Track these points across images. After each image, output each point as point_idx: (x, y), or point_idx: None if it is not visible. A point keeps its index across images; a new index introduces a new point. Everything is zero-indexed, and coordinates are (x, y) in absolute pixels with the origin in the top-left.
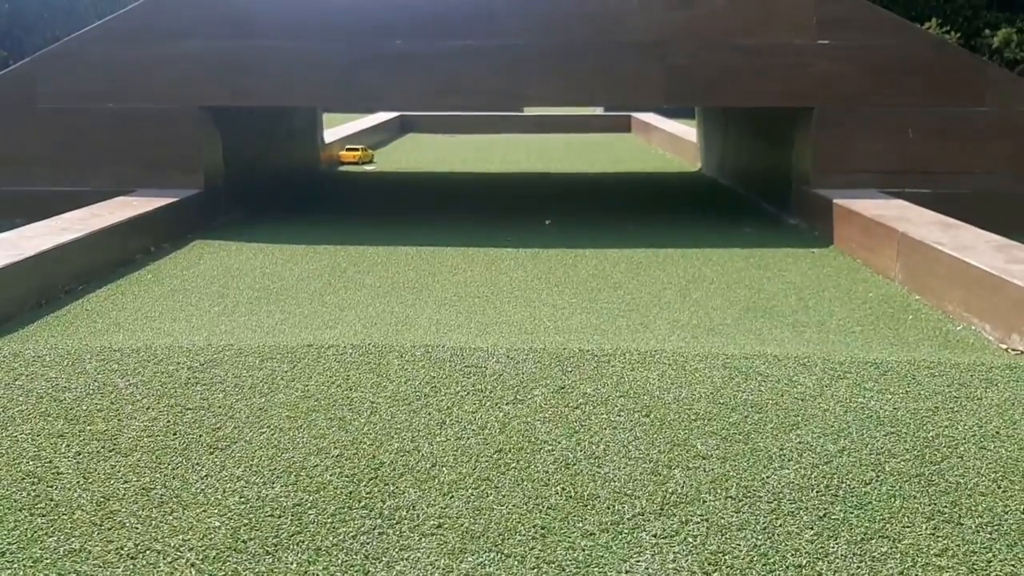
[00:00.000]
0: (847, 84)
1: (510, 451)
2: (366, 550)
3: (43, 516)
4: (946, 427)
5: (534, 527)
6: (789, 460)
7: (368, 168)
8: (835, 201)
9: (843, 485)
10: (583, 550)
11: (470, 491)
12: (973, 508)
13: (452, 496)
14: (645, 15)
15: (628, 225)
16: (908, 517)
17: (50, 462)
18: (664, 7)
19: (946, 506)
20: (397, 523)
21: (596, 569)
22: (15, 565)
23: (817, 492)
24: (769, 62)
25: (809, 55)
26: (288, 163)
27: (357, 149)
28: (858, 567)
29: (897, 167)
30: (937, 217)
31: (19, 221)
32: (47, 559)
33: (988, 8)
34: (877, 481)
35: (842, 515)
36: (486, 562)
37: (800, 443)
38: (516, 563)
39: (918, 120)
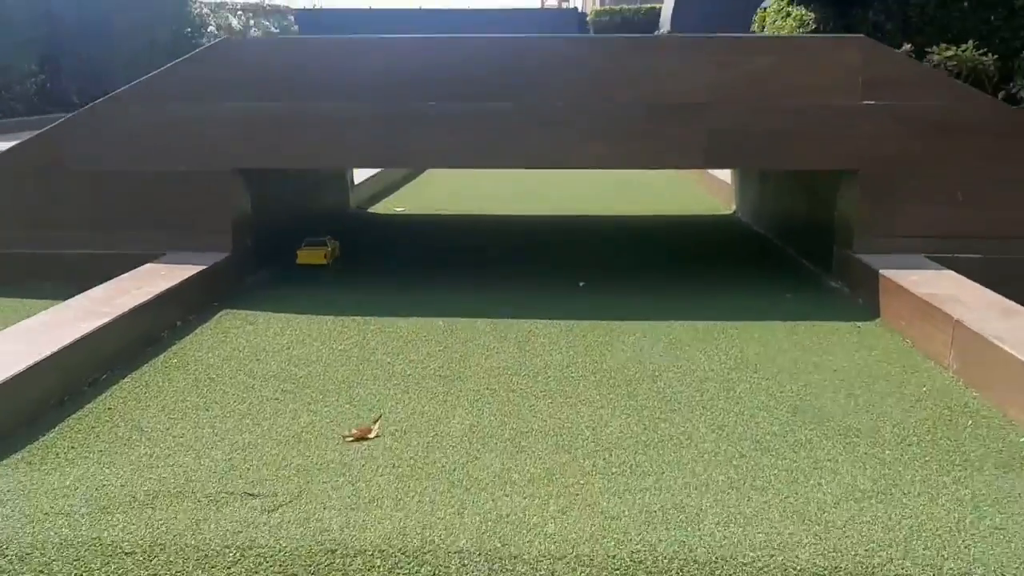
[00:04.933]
0: (893, 146)
1: None
2: None
3: None
4: None
5: None
6: None
7: (398, 210)
8: (881, 273)
9: None
10: None
11: None
12: None
13: None
14: (686, 78)
15: (664, 289)
16: None
17: None
18: (706, 69)
19: None
20: None
21: None
22: None
23: None
24: (813, 124)
25: (854, 116)
26: (317, 209)
27: (322, 243)
28: None
29: (945, 232)
30: (995, 299)
31: (47, 285)
32: None
33: None
34: None
35: None
36: None
37: None
38: None
39: (968, 183)
